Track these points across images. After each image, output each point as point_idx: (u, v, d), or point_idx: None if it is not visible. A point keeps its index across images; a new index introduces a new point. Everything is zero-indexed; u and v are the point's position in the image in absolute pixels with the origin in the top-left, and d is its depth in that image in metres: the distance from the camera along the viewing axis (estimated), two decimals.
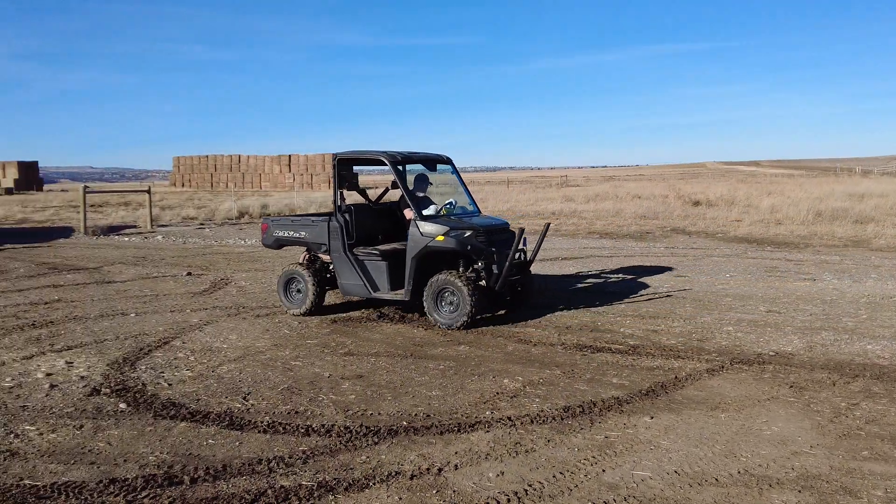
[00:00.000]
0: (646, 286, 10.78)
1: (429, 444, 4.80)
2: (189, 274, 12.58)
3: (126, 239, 19.66)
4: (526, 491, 4.08)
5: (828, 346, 7.15)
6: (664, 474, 4.29)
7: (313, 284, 8.87)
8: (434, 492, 4.09)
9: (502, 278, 8.24)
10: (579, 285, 10.98)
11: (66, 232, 21.53)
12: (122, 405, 5.59)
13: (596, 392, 5.85)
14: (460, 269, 8.35)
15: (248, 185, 59.07)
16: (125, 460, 4.55)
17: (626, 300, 9.68)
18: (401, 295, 8.46)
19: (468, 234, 8.16)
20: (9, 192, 55.28)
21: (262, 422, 5.22)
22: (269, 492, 4.08)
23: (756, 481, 4.18)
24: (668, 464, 4.44)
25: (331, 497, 4.03)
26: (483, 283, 8.31)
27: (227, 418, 5.31)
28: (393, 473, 4.34)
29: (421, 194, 9.21)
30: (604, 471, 4.35)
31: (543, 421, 5.21)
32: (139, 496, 4.03)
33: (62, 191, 59.72)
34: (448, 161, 9.52)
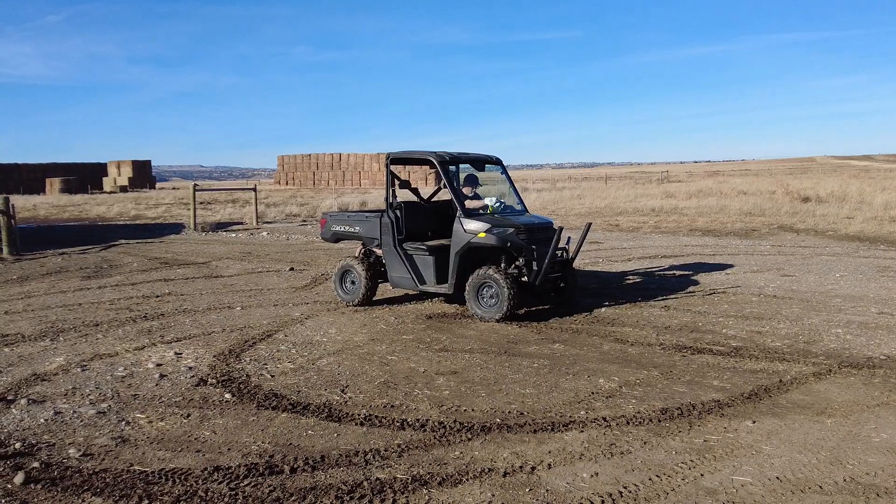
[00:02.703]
0: (750, 286, 10.44)
1: (522, 442, 4.80)
2: (292, 269, 12.96)
3: (233, 235, 20.40)
4: (621, 493, 4.03)
5: None
6: (765, 480, 4.15)
7: (366, 277, 9.32)
8: (527, 490, 4.10)
9: (542, 275, 8.43)
10: (679, 284, 10.73)
11: (177, 228, 22.53)
12: (227, 395, 5.82)
13: (695, 394, 5.71)
14: (501, 265, 8.62)
15: (348, 182, 60.31)
16: (229, 449, 4.74)
17: (729, 300, 9.40)
18: (445, 288, 8.83)
19: (509, 231, 8.42)
20: (123, 189, 58.25)
21: (359, 414, 5.34)
22: (365, 483, 4.18)
23: (863, 490, 4.01)
24: (769, 470, 4.29)
25: (424, 491, 4.09)
26: (524, 279, 8.55)
27: (326, 410, 5.46)
28: (486, 470, 4.37)
29: (470, 193, 9.41)
30: (702, 475, 4.25)
31: (640, 422, 5.13)
32: (241, 484, 4.20)
33: (173, 188, 62.48)
34: (497, 161, 9.80)
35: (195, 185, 24.69)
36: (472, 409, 5.46)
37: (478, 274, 8.46)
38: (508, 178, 9.96)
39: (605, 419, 5.19)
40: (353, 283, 9.53)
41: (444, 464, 4.47)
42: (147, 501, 3.99)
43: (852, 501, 3.89)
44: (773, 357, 6.70)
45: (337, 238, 10.02)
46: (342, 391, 5.92)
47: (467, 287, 8.59)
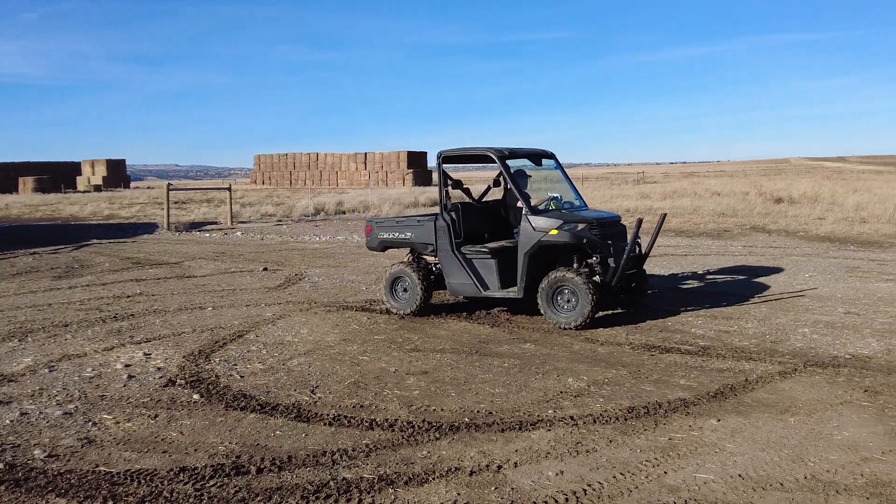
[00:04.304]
0: (720, 285, 10.56)
1: (489, 441, 4.83)
2: (265, 269, 12.91)
3: (207, 235, 20.29)
4: (585, 490, 4.07)
5: None
6: (727, 478, 4.21)
7: (421, 284, 8.72)
8: (493, 488, 4.12)
9: (619, 272, 7.98)
10: (650, 284, 10.82)
11: (151, 228, 22.36)
12: (196, 396, 5.80)
13: (662, 393, 5.77)
14: (574, 266, 8.11)
15: (325, 182, 60.16)
16: (195, 450, 4.72)
17: (699, 300, 9.50)
18: (513, 293, 8.26)
19: (582, 226, 7.91)
20: (97, 189, 57.71)
21: (328, 415, 5.35)
22: (332, 483, 4.18)
23: (823, 487, 4.07)
24: (732, 467, 4.35)
25: (391, 490, 4.11)
26: (598, 278, 8.09)
27: (295, 411, 5.46)
28: (452, 469, 4.39)
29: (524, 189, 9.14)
30: (665, 473, 4.30)
31: (606, 421, 5.18)
32: (207, 484, 4.19)
33: (148, 188, 62.01)
34: (552, 156, 9.42)
35: (169, 184, 24.53)
36: (442, 409, 5.49)
37: (553, 276, 7.92)
38: (564, 172, 9.43)
39: (572, 418, 5.24)
40: (405, 290, 8.88)
41: (412, 463, 4.49)
42: (112, 502, 3.98)
43: (812, 499, 3.95)
44: (740, 356, 6.79)
45: (385, 246, 9.28)
46: (312, 392, 5.92)
47: (540, 291, 8.02)
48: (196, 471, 4.36)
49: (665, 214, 9.10)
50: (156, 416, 5.38)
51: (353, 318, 8.75)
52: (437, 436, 4.95)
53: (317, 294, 10.38)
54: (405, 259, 9.28)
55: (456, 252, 8.57)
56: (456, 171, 9.58)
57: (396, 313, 8.85)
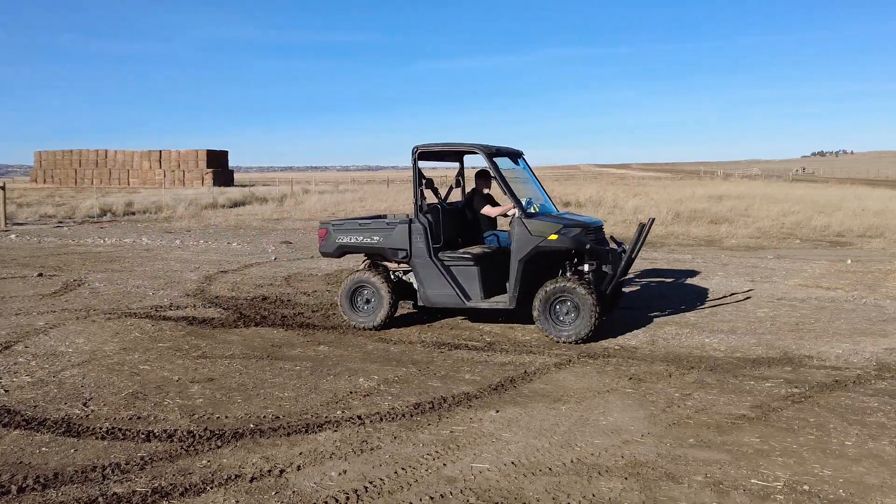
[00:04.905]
0: None
1: (274, 446, 4.76)
2: (40, 275, 11.94)
3: None
4: (366, 488, 4.12)
5: (669, 340, 7.56)
6: (501, 466, 4.43)
7: (389, 295, 8.01)
8: (273, 493, 4.07)
9: (616, 279, 7.76)
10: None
11: None
12: None
13: (448, 388, 5.96)
14: (567, 273, 7.74)
15: (115, 181, 56.57)
16: None
17: None
18: (503, 303, 7.73)
19: (579, 231, 7.54)
20: None
21: (100, 428, 5.04)
22: (101, 499, 3.95)
23: (587, 469, 4.38)
24: (506, 455, 4.58)
25: (165, 503, 3.94)
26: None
27: (64, 425, 5.10)
28: (233, 477, 4.29)
29: (485, 191, 8.82)
30: (445, 465, 4.45)
31: (393, 418, 5.27)
32: None
33: None
34: (522, 154, 8.89)
35: None
36: (226, 416, 5.34)
37: (553, 285, 7.42)
38: (532, 173, 8.79)
39: (360, 417, 5.28)
40: (368, 301, 8.12)
41: (189, 473, 4.34)
42: None
43: (577, 481, 4.24)
44: (522, 350, 7.16)
45: (343, 252, 8.45)
46: (84, 404, 5.55)
47: (537, 301, 7.49)
48: None
49: (653, 219, 8.30)
50: None
51: (137, 325, 8.29)
52: (219, 444, 4.81)
53: (97, 301, 9.74)
54: (361, 266, 8.59)
55: (434, 259, 7.92)
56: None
57: (357, 327, 8.11)
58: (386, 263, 8.40)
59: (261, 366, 6.66)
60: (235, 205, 30.82)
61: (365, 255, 8.56)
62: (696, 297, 9.96)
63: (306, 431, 5.02)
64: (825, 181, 61.00)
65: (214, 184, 50.90)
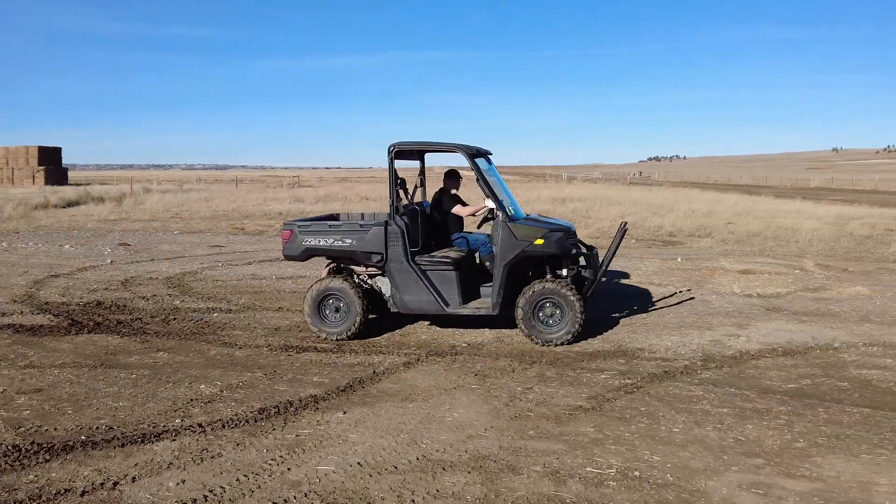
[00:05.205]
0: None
1: (107, 458, 4.53)
2: None
3: None
4: (205, 497, 4.00)
5: (514, 337, 7.78)
6: (347, 467, 4.41)
7: (361, 302, 7.60)
8: None
9: (596, 283, 7.80)
10: (296, 286, 10.95)
11: None
12: None
13: (295, 392, 5.88)
14: (548, 277, 7.63)
15: None
16: None
17: None
18: (485, 308, 7.55)
19: (561, 235, 7.48)
20: None
21: None
22: None
23: (432, 466, 4.45)
24: (352, 456, 4.57)
25: None
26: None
27: None
28: (62, 491, 4.05)
29: (453, 191, 8.60)
30: (289, 469, 4.38)
31: (236, 425, 5.14)
32: None
33: None
34: (488, 154, 8.61)
35: None
36: (55, 429, 5.03)
37: (537, 289, 7.35)
38: (497, 174, 8.40)
39: (200, 425, 5.11)
40: (338, 310, 7.69)
41: (15, 490, 4.06)
42: None
43: (422, 477, 4.29)
44: (372, 350, 7.17)
45: (310, 255, 7.93)
46: None
47: (521, 306, 7.39)
48: None
49: (625, 223, 8.60)
50: None
51: None
52: (48, 458, 4.52)
53: None
54: (325, 271, 8.15)
55: (411, 263, 7.63)
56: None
57: (325, 338, 7.66)
58: (354, 268, 8.09)
59: (94, 375, 6.31)
60: (70, 205, 28.99)
61: (330, 260, 8.21)
62: None
63: (142, 442, 4.81)
64: (660, 184, 64.89)
65: (47, 182, 47.69)
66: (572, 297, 7.31)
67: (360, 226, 7.70)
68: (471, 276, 7.92)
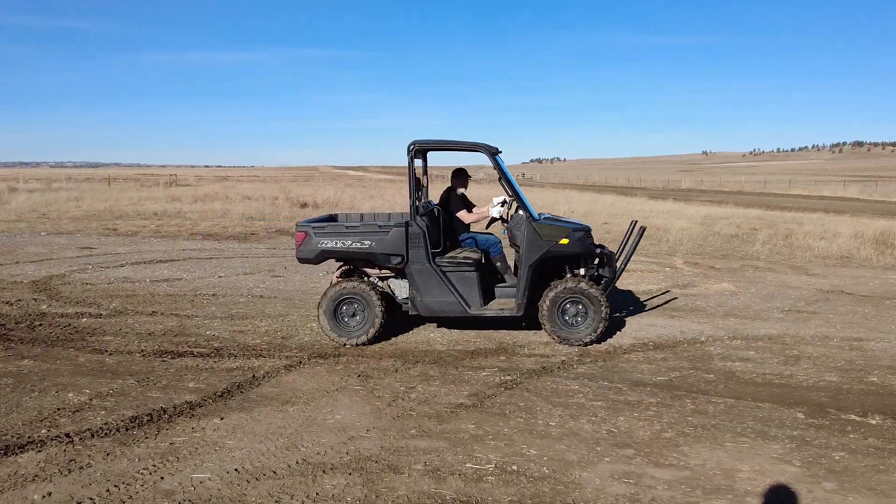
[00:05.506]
0: (240, 287, 10.77)
1: None
2: None
3: None
4: None
5: (397, 336, 7.81)
6: (224, 474, 4.32)
7: (381, 306, 7.42)
8: None
9: (613, 283, 7.86)
10: (172, 289, 10.60)
11: None
12: None
13: (169, 398, 5.69)
14: (567, 276, 7.69)
15: None
16: None
17: (218, 302, 9.58)
18: (509, 309, 7.50)
19: (582, 235, 7.51)
20: None
21: None
22: None
23: (312, 469, 4.41)
24: (229, 463, 4.48)
25: None
26: None
27: None
28: None
29: (461, 191, 8.43)
30: (162, 478, 4.25)
31: (106, 434, 4.94)
32: None
33: None
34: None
35: None
36: None
37: (562, 288, 7.37)
38: (507, 172, 8.13)
39: (68, 435, 4.89)
40: (354, 315, 7.47)
41: None
42: None
43: (301, 481, 4.25)
44: (251, 354, 7.03)
45: (326, 257, 7.60)
46: None
47: (546, 305, 7.38)
48: None
49: (636, 224, 8.67)
50: None
51: None
52: None
53: None
54: (336, 273, 7.91)
55: (433, 264, 7.49)
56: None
57: (345, 345, 7.41)
58: (367, 270, 7.95)
59: None
60: None
61: (342, 262, 7.99)
62: None
63: (5, 454, 4.56)
64: (541, 185, 66.54)
65: None
66: (598, 297, 7.38)
67: (380, 227, 7.52)
68: (486, 277, 7.94)
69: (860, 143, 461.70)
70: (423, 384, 6.16)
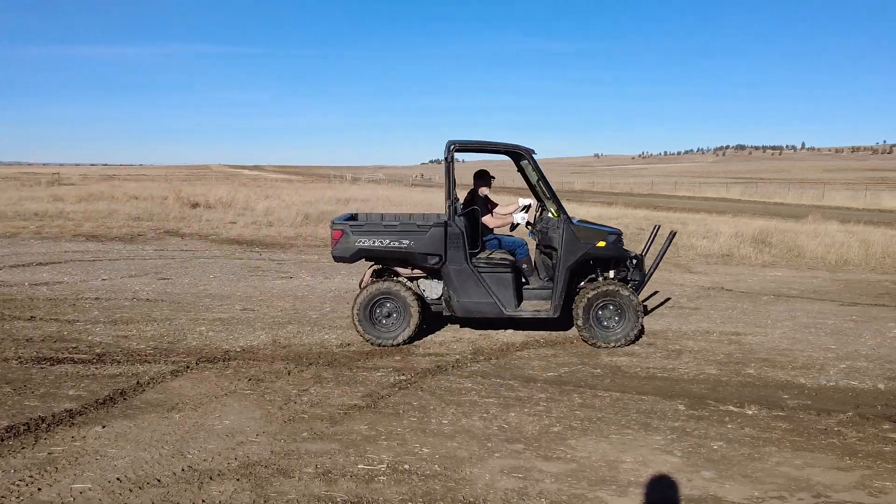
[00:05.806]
0: (125, 290, 10.39)
1: None
2: None
3: None
4: None
5: (291, 339, 7.72)
6: (105, 483, 4.17)
7: (418, 305, 7.45)
8: None
9: (643, 286, 7.93)
10: (53, 293, 10.11)
11: None
12: None
13: (48, 407, 5.44)
14: (600, 278, 7.84)
15: None
16: None
17: (101, 306, 9.20)
18: (545, 311, 7.51)
19: (616, 237, 7.60)
20: None
21: None
22: None
23: (198, 476, 4.31)
24: (111, 472, 4.32)
25: None
26: None
27: None
28: None
29: (485, 193, 8.38)
30: (39, 489, 4.07)
31: None
32: None
33: None
34: None
35: None
36: None
37: (597, 290, 7.44)
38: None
39: None
40: (390, 315, 7.50)
41: None
42: None
43: (187, 488, 4.15)
44: (135, 359, 6.78)
45: (362, 256, 7.52)
46: None
47: (581, 307, 7.42)
48: None
49: (674, 232, 8.81)
50: None
51: None
52: None
53: None
54: (369, 273, 8.02)
55: (470, 264, 7.49)
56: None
57: (381, 345, 7.42)
58: (400, 270, 8.01)
59: None
60: None
61: (374, 262, 7.92)
62: (318, 296, 10.28)
63: None
64: (440, 186, 66.92)
65: None
66: (634, 299, 7.46)
67: (418, 226, 7.48)
68: (518, 279, 7.91)
69: (742, 147, 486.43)
70: (317, 386, 6.11)
